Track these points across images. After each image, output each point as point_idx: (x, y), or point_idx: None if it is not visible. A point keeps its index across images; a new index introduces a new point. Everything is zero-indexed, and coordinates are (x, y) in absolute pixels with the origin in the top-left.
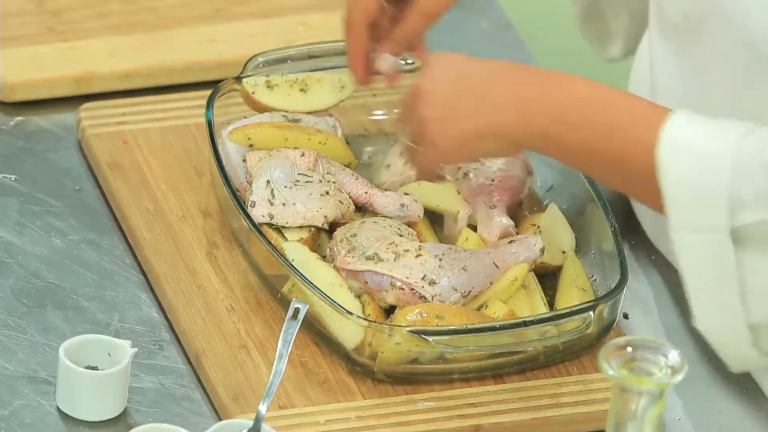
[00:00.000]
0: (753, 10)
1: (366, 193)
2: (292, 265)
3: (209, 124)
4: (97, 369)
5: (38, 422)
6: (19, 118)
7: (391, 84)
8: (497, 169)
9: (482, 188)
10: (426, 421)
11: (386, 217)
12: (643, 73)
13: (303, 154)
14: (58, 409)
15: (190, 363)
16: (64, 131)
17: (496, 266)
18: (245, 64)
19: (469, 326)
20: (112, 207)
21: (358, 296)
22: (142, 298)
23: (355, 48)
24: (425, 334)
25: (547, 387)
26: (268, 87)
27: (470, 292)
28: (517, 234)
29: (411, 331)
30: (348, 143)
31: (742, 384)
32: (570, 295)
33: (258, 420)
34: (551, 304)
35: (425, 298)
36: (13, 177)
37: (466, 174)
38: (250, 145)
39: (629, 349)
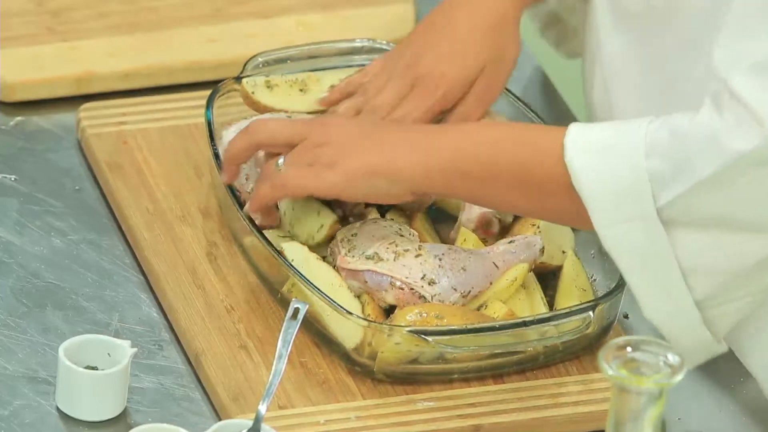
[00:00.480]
0: None
1: None
2: (291, 265)
3: (209, 124)
4: (97, 369)
5: (38, 422)
6: (19, 118)
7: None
8: None
9: None
10: (426, 421)
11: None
12: (592, 66)
13: None
14: (57, 409)
15: (189, 363)
16: (64, 131)
17: (496, 266)
18: (245, 64)
19: (469, 326)
20: (112, 207)
21: (358, 296)
22: (141, 298)
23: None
24: (425, 334)
25: (547, 387)
26: (268, 87)
27: (470, 292)
28: (501, 223)
29: (411, 331)
30: None
31: (741, 384)
32: (570, 295)
33: (258, 420)
34: (551, 304)
35: (425, 298)
36: (13, 177)
37: None
38: None
39: (629, 349)
